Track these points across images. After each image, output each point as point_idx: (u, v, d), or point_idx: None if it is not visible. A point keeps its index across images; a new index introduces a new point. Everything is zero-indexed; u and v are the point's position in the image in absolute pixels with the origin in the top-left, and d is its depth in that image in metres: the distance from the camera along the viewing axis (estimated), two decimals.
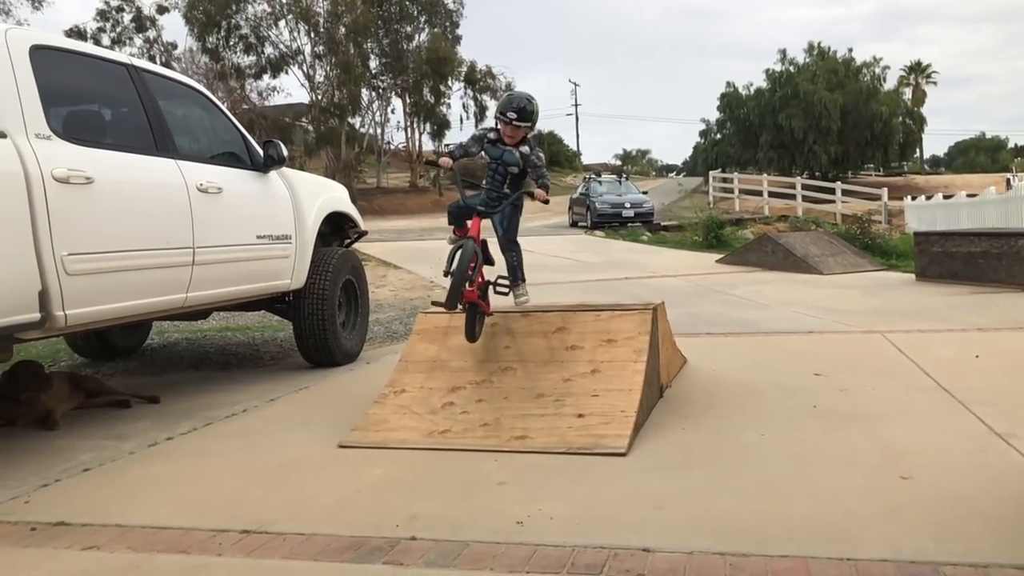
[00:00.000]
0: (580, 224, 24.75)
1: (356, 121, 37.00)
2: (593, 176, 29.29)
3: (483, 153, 4.22)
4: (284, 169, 5.70)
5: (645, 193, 27.01)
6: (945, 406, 4.11)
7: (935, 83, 58.25)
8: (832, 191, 25.54)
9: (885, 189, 24.12)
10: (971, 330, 6.48)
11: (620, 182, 27.64)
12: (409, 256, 14.18)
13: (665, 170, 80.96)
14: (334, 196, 6.30)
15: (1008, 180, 24.82)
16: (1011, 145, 76.80)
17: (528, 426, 3.83)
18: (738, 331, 6.81)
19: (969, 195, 17.71)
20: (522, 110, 4.06)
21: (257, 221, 5.26)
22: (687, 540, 2.52)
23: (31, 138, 3.61)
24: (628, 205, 24.50)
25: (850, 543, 2.45)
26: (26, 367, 4.42)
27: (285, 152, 5.48)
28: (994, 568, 2.24)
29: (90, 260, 3.82)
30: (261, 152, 5.42)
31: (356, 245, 6.87)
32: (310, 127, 35.05)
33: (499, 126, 4.14)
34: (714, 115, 44.71)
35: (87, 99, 4.61)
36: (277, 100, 36.76)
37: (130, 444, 3.95)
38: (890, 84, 43.48)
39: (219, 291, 4.92)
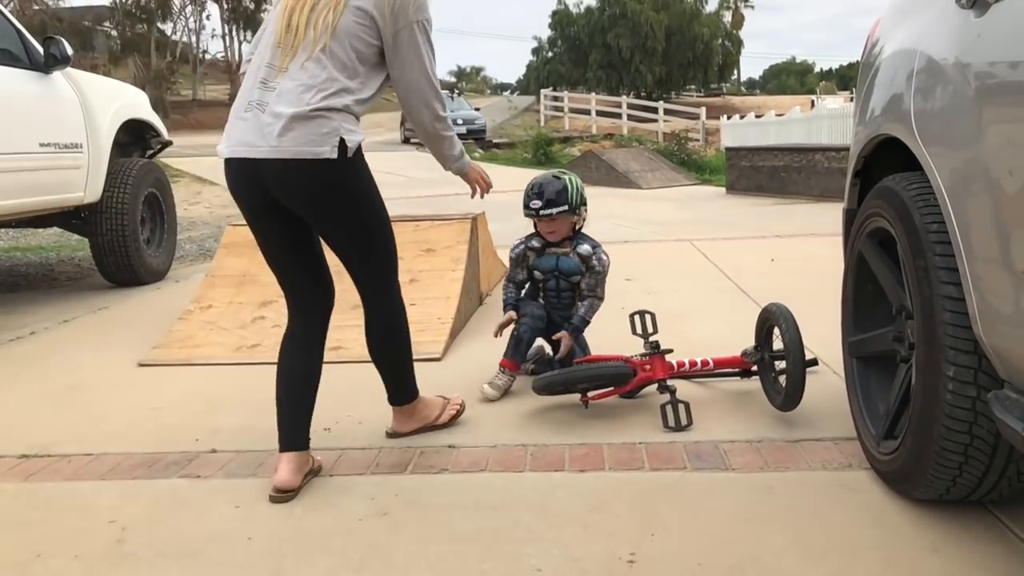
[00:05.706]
0: (412, 140, 24.31)
1: (167, 27, 34.18)
2: None
3: (536, 271, 3.19)
4: (72, 71, 5.17)
5: (478, 110, 26.86)
6: (741, 304, 4.42)
7: (752, 7, 60.71)
8: (656, 110, 26.45)
9: (703, 109, 25.25)
10: (770, 237, 6.98)
11: (452, 98, 27.29)
12: None
13: (500, 88, 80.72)
14: (132, 102, 5.79)
15: (813, 101, 26.62)
16: (817, 69, 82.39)
17: (343, 337, 3.74)
18: None
19: (778, 115, 18.86)
20: (542, 193, 3.05)
21: (40, 127, 4.76)
22: (492, 435, 2.58)
23: None
24: (461, 121, 24.29)
25: (634, 429, 2.60)
26: None
27: (69, 50, 4.95)
28: (766, 442, 2.45)
29: None
30: (41, 51, 4.88)
31: (168, 160, 6.41)
32: (114, 32, 31.95)
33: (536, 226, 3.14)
34: (547, 33, 44.95)
35: None
36: (75, 1, 33.20)
37: None
38: (711, 7, 45.17)
39: None
